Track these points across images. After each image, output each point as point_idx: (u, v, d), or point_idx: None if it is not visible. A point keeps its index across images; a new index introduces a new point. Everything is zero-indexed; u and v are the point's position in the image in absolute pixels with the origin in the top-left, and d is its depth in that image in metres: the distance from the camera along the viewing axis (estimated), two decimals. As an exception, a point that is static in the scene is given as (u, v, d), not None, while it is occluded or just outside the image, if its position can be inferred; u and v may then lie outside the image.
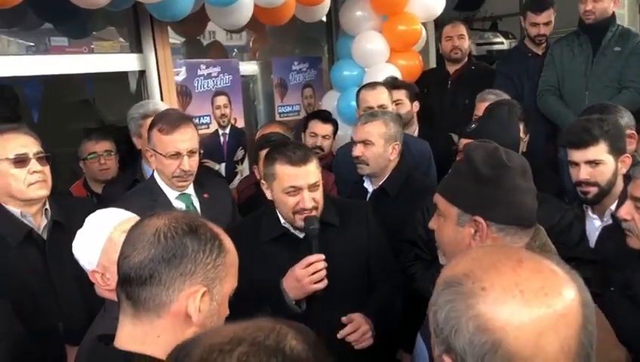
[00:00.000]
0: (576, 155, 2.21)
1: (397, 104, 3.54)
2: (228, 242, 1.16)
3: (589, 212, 2.28)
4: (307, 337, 0.77)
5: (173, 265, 1.07)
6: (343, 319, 2.05)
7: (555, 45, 3.98)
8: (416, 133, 3.65)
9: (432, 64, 5.05)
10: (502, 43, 7.15)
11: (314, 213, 2.07)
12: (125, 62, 3.58)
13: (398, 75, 4.14)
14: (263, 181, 2.19)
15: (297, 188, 2.05)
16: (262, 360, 0.69)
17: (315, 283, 2.02)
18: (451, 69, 4.41)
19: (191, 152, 2.45)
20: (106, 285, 1.61)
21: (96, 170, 3.43)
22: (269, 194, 2.16)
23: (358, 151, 2.72)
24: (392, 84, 3.61)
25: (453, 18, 4.93)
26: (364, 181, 2.87)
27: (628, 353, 1.41)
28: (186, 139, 2.43)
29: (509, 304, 0.82)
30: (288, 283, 2.04)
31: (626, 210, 1.70)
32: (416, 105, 3.66)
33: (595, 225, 2.25)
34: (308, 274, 2.01)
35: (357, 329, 2.03)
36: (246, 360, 0.69)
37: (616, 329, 1.43)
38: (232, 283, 1.15)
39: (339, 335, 2.03)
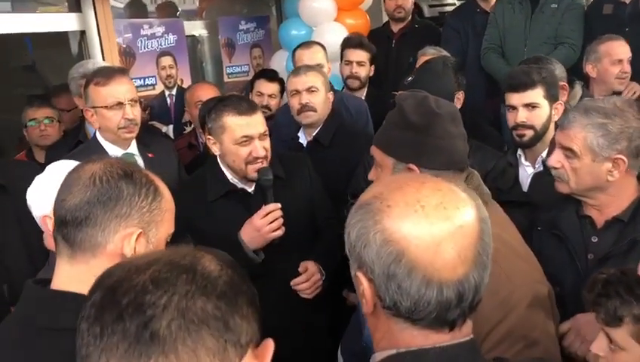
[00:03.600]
0: (516, 98, 2.31)
1: (360, 65, 3.61)
2: (163, 188, 1.18)
3: (522, 160, 2.38)
4: (224, 261, 0.80)
5: (108, 208, 1.10)
6: (300, 268, 2.16)
7: (498, 3, 4.06)
8: (364, 96, 3.69)
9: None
10: (454, 4, 7.18)
11: (265, 163, 2.14)
12: (64, 21, 3.47)
13: (344, 34, 4.16)
14: (208, 136, 2.21)
15: (249, 137, 2.11)
16: (172, 276, 0.73)
17: (273, 231, 2.09)
18: (395, 28, 4.44)
19: (132, 101, 2.45)
20: None
21: (36, 135, 3.35)
22: (215, 150, 2.19)
23: (304, 98, 2.80)
24: (358, 43, 3.65)
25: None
26: (299, 137, 2.97)
27: (551, 287, 1.51)
28: (124, 88, 2.44)
29: (411, 217, 0.90)
30: (247, 233, 2.10)
31: (556, 158, 1.79)
32: (372, 68, 3.72)
33: (527, 171, 2.36)
34: (267, 223, 2.08)
35: (309, 279, 2.14)
36: (158, 276, 0.73)
37: (542, 265, 1.53)
38: (167, 228, 1.18)
39: (292, 283, 2.14)
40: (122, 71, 2.52)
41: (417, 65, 3.34)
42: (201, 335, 0.70)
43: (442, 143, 1.48)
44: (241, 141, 2.10)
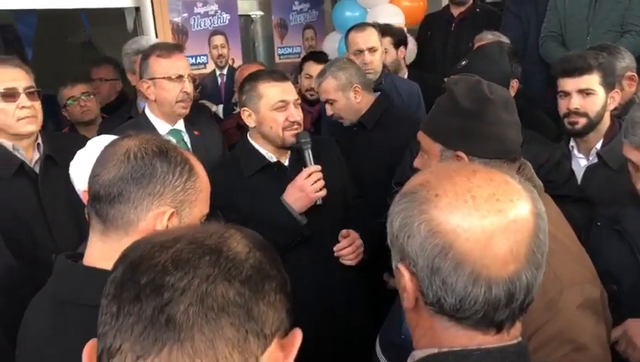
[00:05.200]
0: (569, 83, 2.20)
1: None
2: (199, 167, 1.16)
3: (575, 151, 2.28)
4: (254, 242, 0.75)
5: (141, 185, 1.08)
6: (342, 232, 2.19)
7: (557, -11, 3.85)
8: (405, 77, 3.62)
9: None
10: (518, -13, 6.90)
11: (300, 129, 2.18)
12: (119, -2, 3.52)
13: (401, 18, 4.06)
14: (244, 108, 2.23)
15: (285, 102, 2.16)
16: (194, 257, 0.68)
17: (316, 192, 2.12)
18: (455, 11, 4.30)
19: (189, 76, 2.51)
20: None
21: (78, 113, 3.43)
22: (251, 122, 2.22)
23: (328, 110, 2.81)
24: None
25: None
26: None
27: (603, 289, 1.42)
28: (184, 63, 2.53)
29: (460, 208, 0.84)
30: (291, 195, 2.12)
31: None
32: (402, 50, 3.63)
33: (580, 164, 2.26)
34: (310, 183, 2.10)
35: (351, 245, 2.17)
36: (179, 255, 0.69)
37: (601, 262, 1.45)
38: (201, 209, 1.16)
39: (335, 248, 2.17)
40: (181, 47, 2.61)
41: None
42: (219, 324, 0.65)
43: (494, 131, 1.40)
44: (278, 106, 2.15)
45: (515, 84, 2.29)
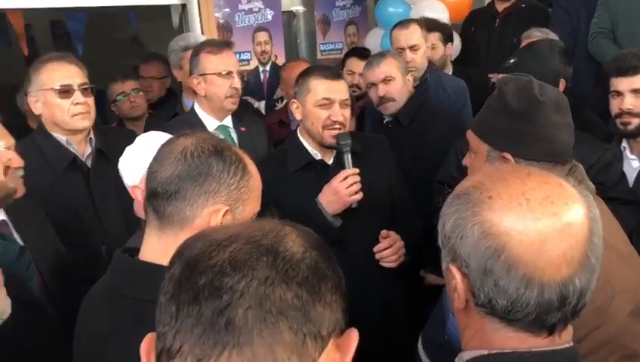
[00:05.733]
0: (623, 83, 2.14)
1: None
2: (252, 166, 1.19)
3: (627, 152, 2.21)
4: (309, 241, 0.75)
5: (197, 183, 1.11)
6: (382, 232, 2.15)
7: (610, -18, 3.73)
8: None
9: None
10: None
11: (343, 130, 2.16)
12: (166, -5, 3.59)
13: (445, 14, 4.01)
14: (293, 100, 2.25)
15: (330, 100, 2.15)
16: (252, 258, 0.68)
17: (351, 195, 2.10)
18: (500, 6, 4.22)
19: (238, 73, 2.56)
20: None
21: (127, 108, 3.52)
22: (297, 114, 2.23)
23: (381, 90, 2.76)
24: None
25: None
26: (384, 117, 2.93)
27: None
28: (234, 59, 2.59)
29: (514, 210, 0.83)
30: (325, 197, 2.11)
31: None
32: (450, 46, 3.58)
33: (633, 166, 2.20)
34: (345, 186, 2.09)
35: (392, 246, 2.14)
36: (236, 256, 0.68)
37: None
38: (253, 207, 1.18)
39: (375, 249, 2.13)
40: (231, 44, 2.67)
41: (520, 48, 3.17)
42: (278, 328, 0.65)
43: (543, 132, 1.38)
44: (322, 103, 2.14)
45: (562, 83, 2.24)
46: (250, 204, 1.17)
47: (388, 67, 2.76)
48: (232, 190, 1.13)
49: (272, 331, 0.64)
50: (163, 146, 1.18)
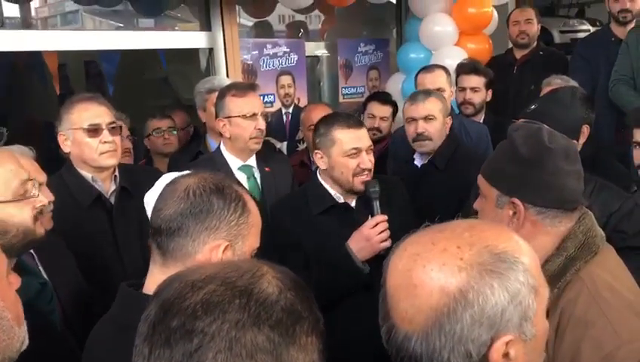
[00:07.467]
0: None
1: (475, 91, 3.52)
2: (251, 204, 1.23)
3: (650, 201, 2.18)
4: (285, 282, 0.75)
5: (199, 220, 1.16)
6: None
7: (630, 33, 3.78)
8: (481, 122, 3.60)
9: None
10: (588, 31, 6.71)
11: (370, 176, 2.19)
12: (195, 39, 3.74)
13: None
14: (316, 151, 2.27)
15: (358, 149, 2.18)
16: (224, 300, 0.69)
17: (382, 242, 2.11)
18: (518, 54, 4.30)
19: (262, 114, 2.62)
20: None
21: (160, 144, 3.62)
22: (322, 164, 2.25)
23: (421, 127, 2.78)
24: (472, 68, 3.56)
25: (537, 4, 4.75)
26: (414, 159, 2.93)
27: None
28: (258, 102, 2.64)
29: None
30: (355, 242, 2.12)
31: None
32: (489, 93, 3.62)
33: (655, 216, 2.16)
34: (376, 233, 2.10)
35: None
36: (209, 298, 0.69)
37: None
38: (252, 243, 1.22)
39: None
40: (255, 87, 2.74)
41: (541, 95, 3.20)
42: None
43: (551, 180, 1.39)
44: (351, 153, 2.17)
45: (585, 130, 2.24)
46: (250, 239, 1.21)
47: (432, 105, 2.80)
48: (232, 226, 1.18)
49: None
50: (167, 185, 1.24)
